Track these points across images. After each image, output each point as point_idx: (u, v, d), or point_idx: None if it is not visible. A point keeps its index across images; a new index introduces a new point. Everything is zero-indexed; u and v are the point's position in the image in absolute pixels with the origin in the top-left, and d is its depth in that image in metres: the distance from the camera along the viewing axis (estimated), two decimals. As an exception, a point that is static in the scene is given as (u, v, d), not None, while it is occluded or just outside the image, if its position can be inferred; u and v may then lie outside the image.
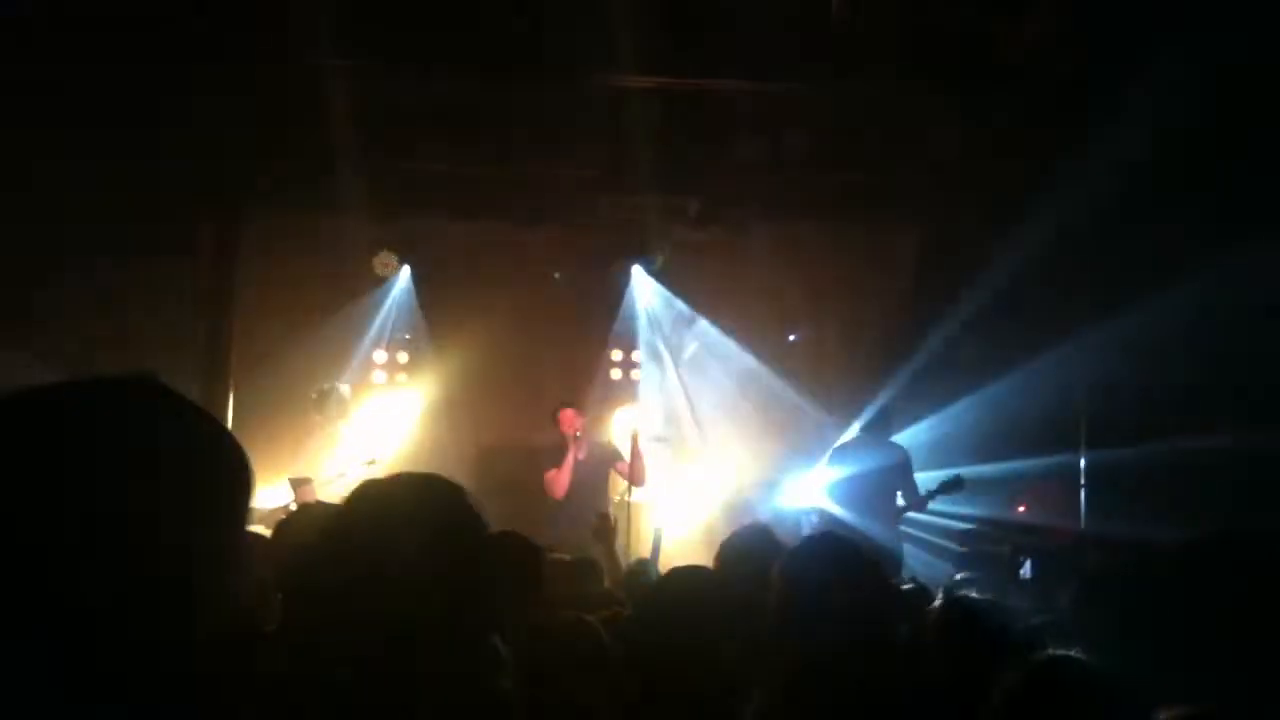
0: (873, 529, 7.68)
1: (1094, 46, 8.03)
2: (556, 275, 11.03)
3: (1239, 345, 7.46)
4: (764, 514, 8.93)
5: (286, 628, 2.85)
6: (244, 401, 8.26)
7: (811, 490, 8.75)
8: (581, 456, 8.83)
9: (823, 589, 2.77)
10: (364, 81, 8.70)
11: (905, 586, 4.83)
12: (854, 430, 8.97)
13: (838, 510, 8.10)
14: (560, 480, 8.72)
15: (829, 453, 8.66)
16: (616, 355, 11.15)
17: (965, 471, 8.46)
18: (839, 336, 11.37)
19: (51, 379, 1.18)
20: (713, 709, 2.28)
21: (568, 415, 8.94)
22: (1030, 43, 8.44)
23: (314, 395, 9.16)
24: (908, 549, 8.54)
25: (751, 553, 3.73)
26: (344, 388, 9.32)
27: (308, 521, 3.29)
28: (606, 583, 5.50)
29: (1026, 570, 6.89)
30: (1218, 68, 6.81)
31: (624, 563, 8.45)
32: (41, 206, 8.74)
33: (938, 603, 3.53)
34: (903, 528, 8.48)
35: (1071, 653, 2.59)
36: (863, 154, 10.22)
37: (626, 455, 9.10)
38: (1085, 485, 8.49)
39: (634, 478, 9.07)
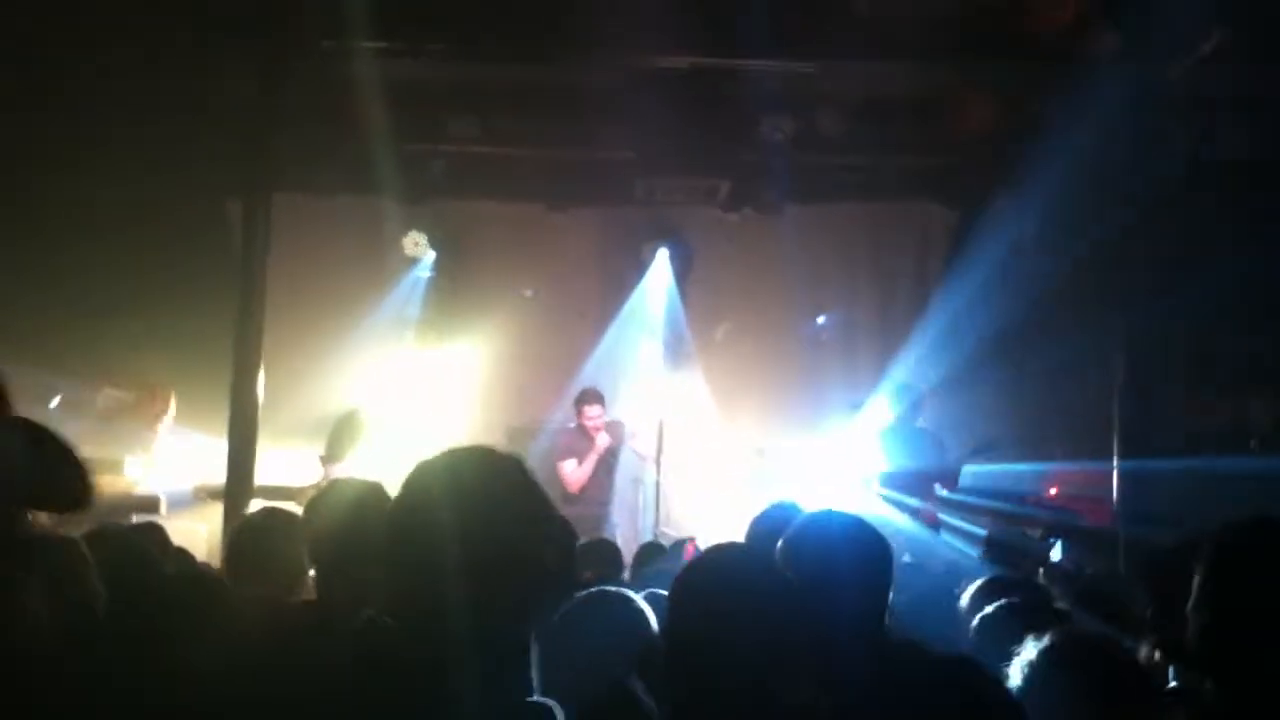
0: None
1: (1126, 24, 7.95)
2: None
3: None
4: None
5: (321, 599, 2.88)
6: (275, 379, 8.29)
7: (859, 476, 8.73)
8: (602, 451, 8.83)
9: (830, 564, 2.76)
10: (395, 63, 8.71)
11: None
12: (891, 415, 8.92)
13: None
14: (580, 478, 8.71)
15: (880, 438, 8.69)
16: (645, 339, 11.11)
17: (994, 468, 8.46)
18: (870, 318, 11.31)
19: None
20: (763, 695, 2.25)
21: (594, 412, 8.90)
22: (1063, 21, 8.37)
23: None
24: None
25: (777, 529, 3.71)
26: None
27: (339, 497, 3.30)
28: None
29: (1056, 552, 6.86)
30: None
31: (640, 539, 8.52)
32: (77, 192, 8.83)
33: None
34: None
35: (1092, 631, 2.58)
36: (894, 134, 10.17)
37: (650, 439, 9.10)
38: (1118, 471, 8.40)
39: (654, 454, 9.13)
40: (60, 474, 2.97)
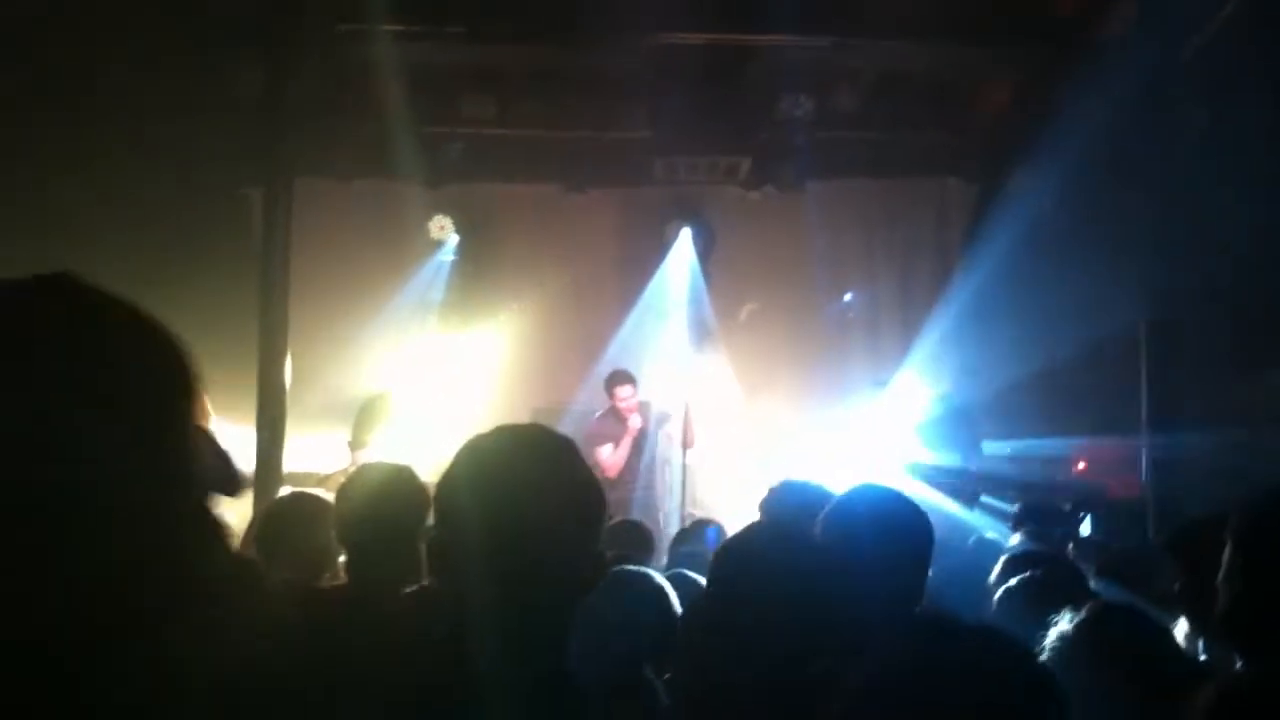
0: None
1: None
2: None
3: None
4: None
5: (353, 582, 2.91)
6: (301, 366, 8.33)
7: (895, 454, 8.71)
8: (636, 433, 8.82)
9: (866, 539, 2.76)
10: (412, 45, 8.71)
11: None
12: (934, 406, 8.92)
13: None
14: (617, 462, 8.70)
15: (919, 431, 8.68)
16: (668, 319, 11.09)
17: (1019, 444, 8.45)
18: (892, 294, 11.28)
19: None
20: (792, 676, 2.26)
21: (625, 393, 8.86)
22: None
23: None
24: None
25: (790, 507, 3.72)
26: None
27: (367, 480, 3.33)
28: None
29: (1086, 527, 6.83)
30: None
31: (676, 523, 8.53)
32: (93, 182, 8.85)
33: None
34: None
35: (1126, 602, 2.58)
36: (913, 110, 10.13)
37: (677, 420, 9.09)
38: (1146, 444, 8.35)
39: (686, 442, 9.09)
40: (226, 465, 3.25)
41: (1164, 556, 3.53)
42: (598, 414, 9.08)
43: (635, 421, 8.77)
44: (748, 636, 2.27)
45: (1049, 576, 3.34)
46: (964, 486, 8.16)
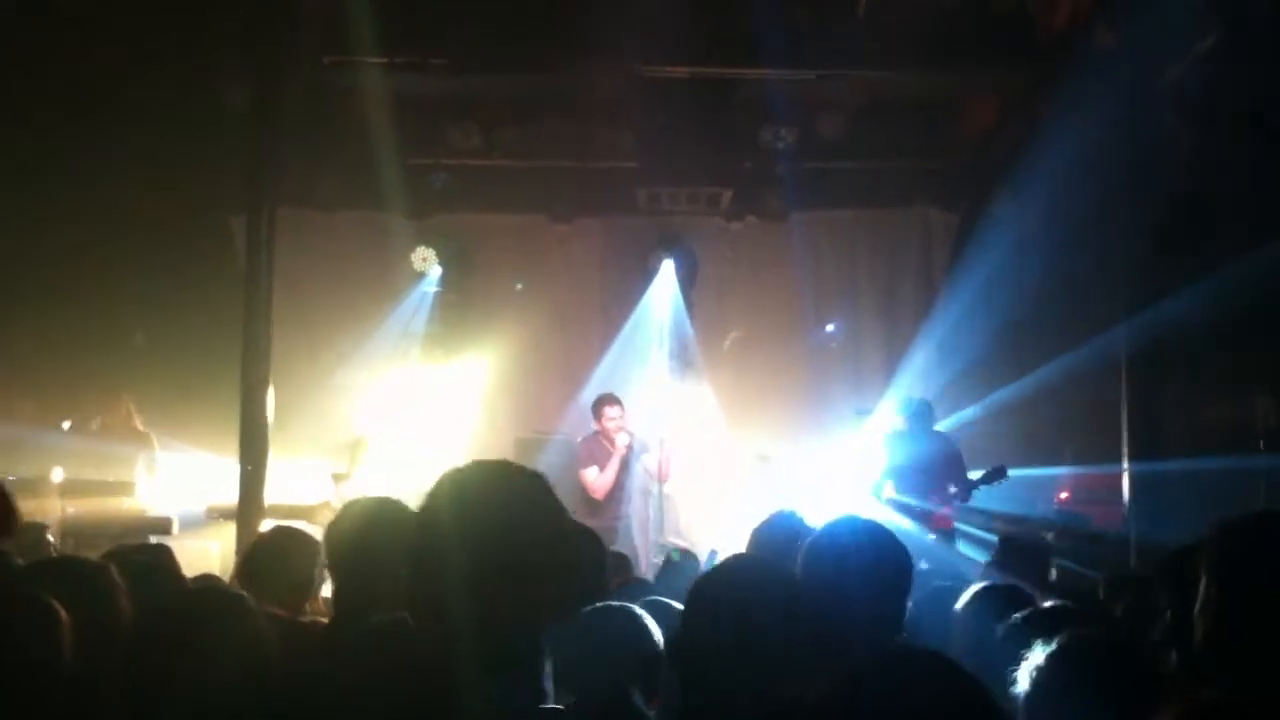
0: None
1: (1123, 25, 7.97)
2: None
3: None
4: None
5: (338, 613, 2.92)
6: (284, 394, 8.31)
7: (865, 482, 8.66)
8: (624, 454, 8.80)
9: (845, 569, 2.78)
10: (397, 77, 8.75)
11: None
12: (900, 421, 8.87)
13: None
14: (605, 484, 8.67)
15: (884, 441, 8.62)
16: (651, 349, 11.07)
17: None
18: (874, 324, 11.31)
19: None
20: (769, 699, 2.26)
21: (613, 413, 8.84)
22: (1061, 23, 8.40)
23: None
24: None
25: (780, 539, 3.72)
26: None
27: (354, 515, 3.33)
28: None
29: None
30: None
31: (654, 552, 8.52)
32: (83, 214, 8.85)
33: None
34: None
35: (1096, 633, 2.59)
36: (894, 139, 10.20)
37: (654, 450, 9.07)
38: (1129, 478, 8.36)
39: (661, 477, 9.09)
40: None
41: (1154, 586, 3.53)
42: (583, 438, 9.05)
43: (623, 440, 8.74)
44: (724, 669, 2.28)
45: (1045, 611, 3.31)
46: (950, 518, 8.14)
